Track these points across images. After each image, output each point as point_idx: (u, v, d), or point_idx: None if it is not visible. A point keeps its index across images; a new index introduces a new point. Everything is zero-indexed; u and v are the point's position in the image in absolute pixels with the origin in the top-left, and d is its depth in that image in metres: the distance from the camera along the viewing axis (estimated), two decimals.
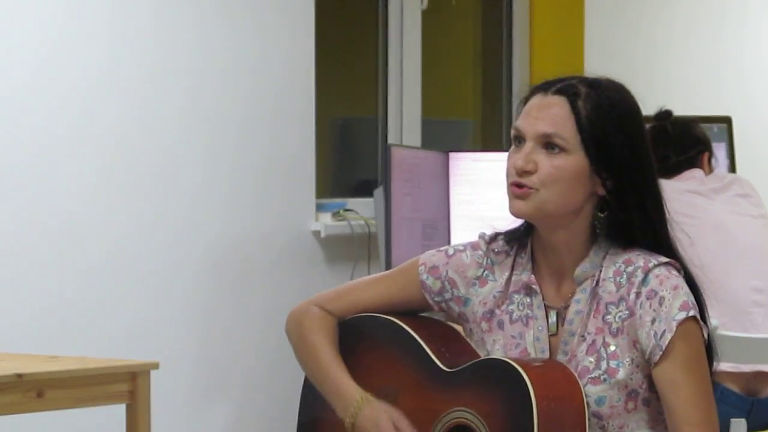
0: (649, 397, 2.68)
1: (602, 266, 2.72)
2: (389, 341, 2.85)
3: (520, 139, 2.71)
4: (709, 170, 4.89)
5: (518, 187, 2.69)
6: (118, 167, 4.70)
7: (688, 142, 4.87)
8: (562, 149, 2.68)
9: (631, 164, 2.71)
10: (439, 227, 4.94)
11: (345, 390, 2.81)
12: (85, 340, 4.49)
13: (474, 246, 2.85)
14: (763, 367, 4.55)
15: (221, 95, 4.93)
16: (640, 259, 2.69)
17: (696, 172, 4.81)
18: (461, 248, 2.85)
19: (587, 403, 2.64)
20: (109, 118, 4.68)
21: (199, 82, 4.88)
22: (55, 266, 4.54)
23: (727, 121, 5.82)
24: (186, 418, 4.80)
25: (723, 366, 4.38)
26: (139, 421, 3.74)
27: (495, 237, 2.83)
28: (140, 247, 4.74)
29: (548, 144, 2.68)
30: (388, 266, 4.60)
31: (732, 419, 4.28)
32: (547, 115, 2.69)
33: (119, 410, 3.76)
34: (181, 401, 4.75)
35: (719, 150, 5.33)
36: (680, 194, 4.68)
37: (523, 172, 2.67)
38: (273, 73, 5.03)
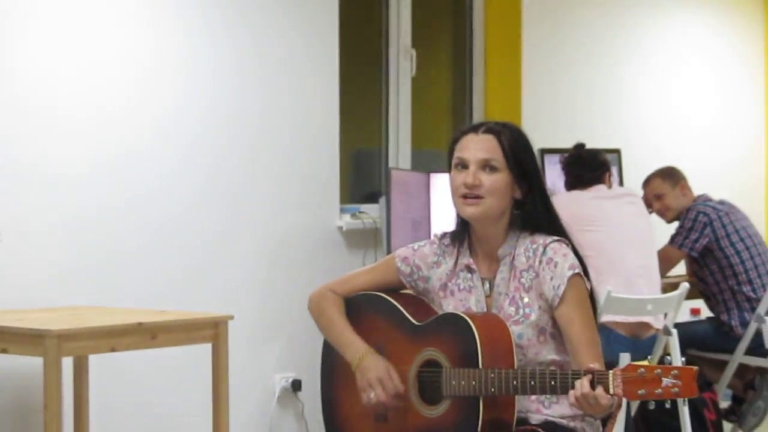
0: (554, 332, 2.72)
1: (516, 246, 2.76)
2: (380, 309, 2.88)
3: (463, 165, 2.74)
4: (609, 185, 4.93)
5: (469, 198, 2.73)
6: (211, 181, 4.66)
7: (596, 164, 4.91)
8: (496, 169, 2.73)
9: (536, 175, 2.77)
10: (423, 224, 4.93)
11: (354, 344, 2.83)
12: (184, 300, 4.48)
13: (431, 242, 2.90)
14: (643, 318, 4.64)
15: (283, 133, 4.90)
16: (540, 239, 2.74)
17: (601, 187, 4.87)
18: (423, 244, 2.90)
19: (512, 337, 2.68)
20: (207, 147, 4.65)
21: (265, 124, 4.83)
22: (165, 251, 4.52)
23: (617, 151, 5.85)
24: (249, 353, 4.76)
25: (616, 318, 4.55)
26: (219, 355, 3.81)
27: (444, 235, 2.89)
28: (223, 236, 4.71)
29: (486, 166, 2.72)
30: (389, 251, 4.61)
31: (621, 353, 4.34)
32: (483, 147, 2.73)
33: (206, 348, 3.84)
34: (246, 342, 4.70)
35: None
36: (589, 201, 4.76)
37: (473, 186, 2.72)
38: (309, 117, 4.98)
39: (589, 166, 4.89)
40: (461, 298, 2.81)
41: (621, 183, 5.77)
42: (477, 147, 2.74)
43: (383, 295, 2.88)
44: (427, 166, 5.31)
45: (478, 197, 2.72)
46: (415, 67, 5.49)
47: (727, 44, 7.16)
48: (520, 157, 2.74)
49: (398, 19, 5.46)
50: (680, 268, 5.59)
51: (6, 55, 4.08)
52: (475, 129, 2.78)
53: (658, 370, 2.39)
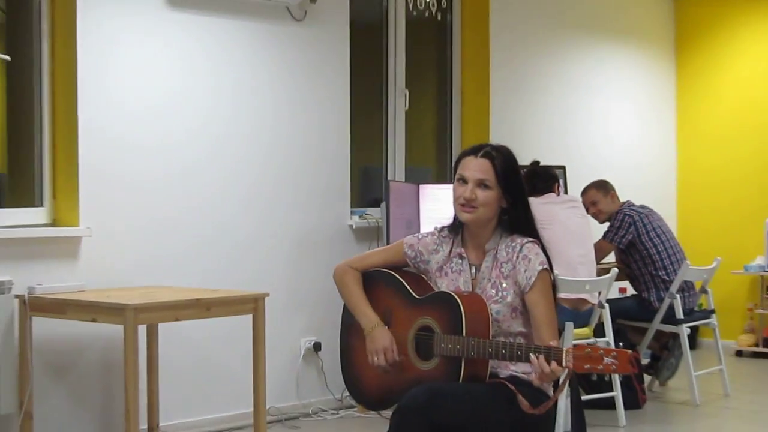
0: (523, 311, 2.71)
1: (499, 243, 2.74)
2: (389, 283, 2.84)
3: (463, 181, 2.71)
4: (558, 193, 4.90)
5: (466, 207, 2.72)
6: (254, 191, 4.66)
7: (547, 177, 4.87)
8: (489, 187, 2.69)
9: (520, 189, 2.72)
10: (414, 224, 4.92)
11: (367, 315, 2.79)
12: (232, 280, 4.48)
13: (432, 233, 2.86)
14: (582, 296, 4.63)
15: (308, 155, 4.90)
16: (518, 239, 2.71)
17: (551, 195, 4.84)
18: (426, 234, 2.87)
19: (491, 313, 2.67)
20: (252, 167, 4.65)
21: (295, 149, 4.84)
22: (219, 244, 4.52)
23: (563, 167, 5.78)
24: (281, 322, 4.74)
25: (561, 295, 4.48)
26: (258, 324, 3.81)
27: (443, 228, 2.86)
28: (261, 233, 4.70)
29: (481, 184, 2.69)
30: (388, 243, 4.62)
31: (565, 322, 4.30)
32: (480, 169, 2.68)
33: (248, 318, 3.82)
34: (279, 313, 4.70)
35: None
36: (542, 206, 4.68)
37: (470, 200, 2.70)
38: (328, 143, 4.98)
39: (542, 179, 4.87)
40: (452, 278, 2.79)
41: (566, 191, 5.73)
42: (475, 168, 2.70)
43: (392, 272, 2.85)
44: (418, 179, 5.31)
45: (473, 207, 2.71)
46: (408, 103, 5.49)
47: (645, 82, 7.13)
48: (508, 178, 2.71)
49: (395, 67, 5.46)
50: (611, 257, 5.58)
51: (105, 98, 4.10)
52: (475, 152, 2.72)
53: (601, 351, 2.36)
